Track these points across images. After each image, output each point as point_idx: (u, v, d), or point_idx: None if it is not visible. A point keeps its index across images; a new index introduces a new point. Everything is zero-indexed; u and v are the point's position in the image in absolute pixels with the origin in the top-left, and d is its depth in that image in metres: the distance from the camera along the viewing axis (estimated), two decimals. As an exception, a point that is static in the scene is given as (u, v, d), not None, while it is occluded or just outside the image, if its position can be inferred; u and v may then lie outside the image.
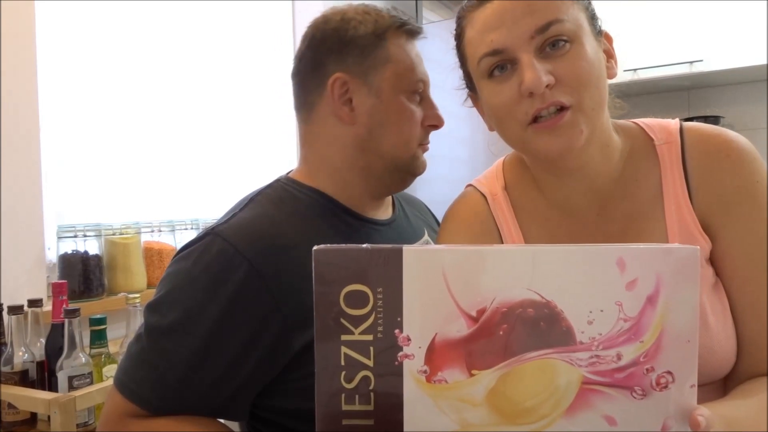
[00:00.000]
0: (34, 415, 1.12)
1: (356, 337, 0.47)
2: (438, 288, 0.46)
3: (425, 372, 0.47)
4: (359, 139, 0.87)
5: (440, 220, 1.15)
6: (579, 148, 0.68)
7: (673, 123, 0.76)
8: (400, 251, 0.46)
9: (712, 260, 0.71)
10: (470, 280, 0.46)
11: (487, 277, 0.47)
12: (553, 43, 0.66)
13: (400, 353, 0.47)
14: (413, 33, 0.91)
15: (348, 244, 0.47)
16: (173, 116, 1.80)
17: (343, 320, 0.47)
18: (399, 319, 0.46)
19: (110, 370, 1.13)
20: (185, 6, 1.86)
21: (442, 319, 0.47)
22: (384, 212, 0.97)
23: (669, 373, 0.47)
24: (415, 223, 1.03)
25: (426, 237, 1.02)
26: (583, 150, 0.70)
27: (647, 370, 0.47)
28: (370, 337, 0.47)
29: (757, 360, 0.68)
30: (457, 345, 0.47)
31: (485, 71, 0.70)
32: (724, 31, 2.28)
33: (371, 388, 0.47)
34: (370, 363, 0.47)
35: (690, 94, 2.70)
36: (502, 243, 0.78)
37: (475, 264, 0.47)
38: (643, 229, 0.73)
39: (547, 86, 0.65)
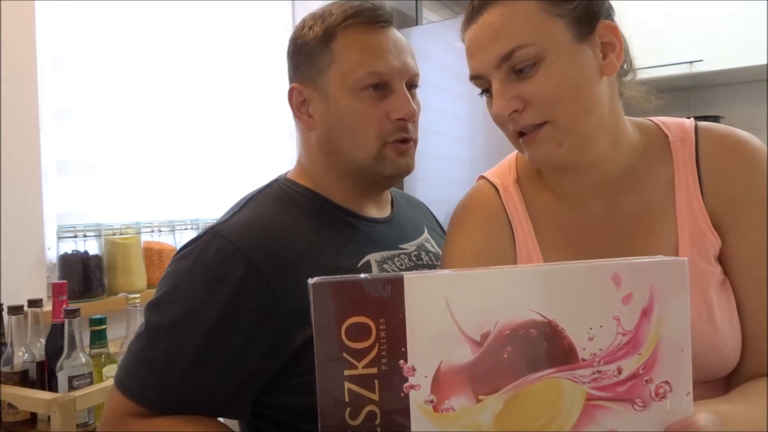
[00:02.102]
0: (34, 415, 1.12)
1: (360, 371, 0.45)
2: (441, 315, 0.46)
3: (432, 401, 0.46)
4: (322, 144, 0.89)
5: (440, 220, 1.16)
6: (558, 160, 0.71)
7: (689, 122, 0.77)
8: (401, 280, 0.45)
9: (721, 258, 0.72)
10: (473, 304, 0.46)
11: (489, 300, 0.46)
12: (520, 66, 0.68)
13: (406, 384, 0.46)
14: (369, 23, 0.85)
15: (346, 276, 0.46)
16: (173, 116, 1.80)
17: (345, 355, 0.45)
18: (403, 349, 0.45)
19: (110, 370, 1.13)
20: (185, 6, 1.86)
21: (446, 346, 0.46)
22: (382, 211, 0.97)
23: (666, 382, 0.48)
24: (414, 221, 1.03)
25: (426, 235, 1.02)
26: (586, 150, 0.72)
27: (646, 381, 0.48)
28: (374, 370, 0.45)
29: (760, 360, 0.69)
30: (462, 371, 0.46)
31: (478, 88, 0.75)
32: (724, 31, 2.28)
33: (377, 422, 0.46)
34: (376, 397, 0.45)
35: (690, 94, 2.70)
36: (513, 235, 0.79)
37: (477, 288, 0.46)
38: (654, 224, 0.74)
39: (515, 111, 0.69)
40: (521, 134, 0.72)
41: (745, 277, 0.70)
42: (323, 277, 0.45)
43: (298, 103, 0.89)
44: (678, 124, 0.77)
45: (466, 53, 0.73)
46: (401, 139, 0.86)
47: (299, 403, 0.80)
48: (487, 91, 0.73)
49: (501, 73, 0.69)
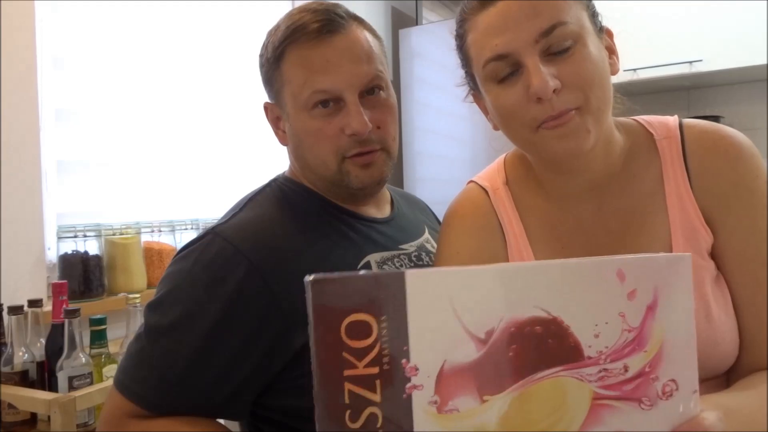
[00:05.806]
0: (34, 415, 1.12)
1: (360, 371, 0.43)
2: (444, 312, 0.44)
3: (436, 402, 0.44)
4: (296, 159, 0.90)
5: (441, 219, 1.16)
6: (588, 149, 0.68)
7: (672, 119, 0.77)
8: (403, 276, 0.43)
9: (714, 254, 0.72)
10: (477, 301, 0.45)
11: (493, 296, 0.45)
12: (557, 45, 0.66)
13: (408, 384, 0.43)
14: (313, 35, 0.80)
15: (346, 272, 0.43)
16: (173, 116, 1.80)
17: (345, 354, 0.42)
18: (405, 348, 0.43)
19: (110, 371, 1.13)
20: (185, 6, 1.86)
21: (450, 345, 0.44)
22: (381, 210, 0.97)
23: (673, 380, 0.48)
24: (414, 221, 1.03)
25: (426, 235, 1.01)
26: (589, 150, 0.71)
27: (653, 379, 0.47)
28: (375, 370, 0.43)
29: (757, 354, 0.69)
30: (467, 370, 0.44)
31: (491, 75, 0.70)
32: (723, 31, 2.28)
33: (379, 425, 0.43)
34: (377, 398, 0.43)
35: (690, 93, 2.71)
36: (504, 237, 0.78)
37: (481, 284, 0.45)
38: (645, 223, 0.73)
39: (554, 91, 0.65)
40: (541, 123, 0.67)
41: (739, 272, 0.70)
42: (321, 273, 0.43)
43: (274, 119, 0.91)
44: (662, 122, 0.77)
45: (490, 30, 0.68)
46: (360, 153, 0.82)
47: (300, 404, 0.80)
48: (508, 77, 0.68)
49: (537, 50, 0.66)
